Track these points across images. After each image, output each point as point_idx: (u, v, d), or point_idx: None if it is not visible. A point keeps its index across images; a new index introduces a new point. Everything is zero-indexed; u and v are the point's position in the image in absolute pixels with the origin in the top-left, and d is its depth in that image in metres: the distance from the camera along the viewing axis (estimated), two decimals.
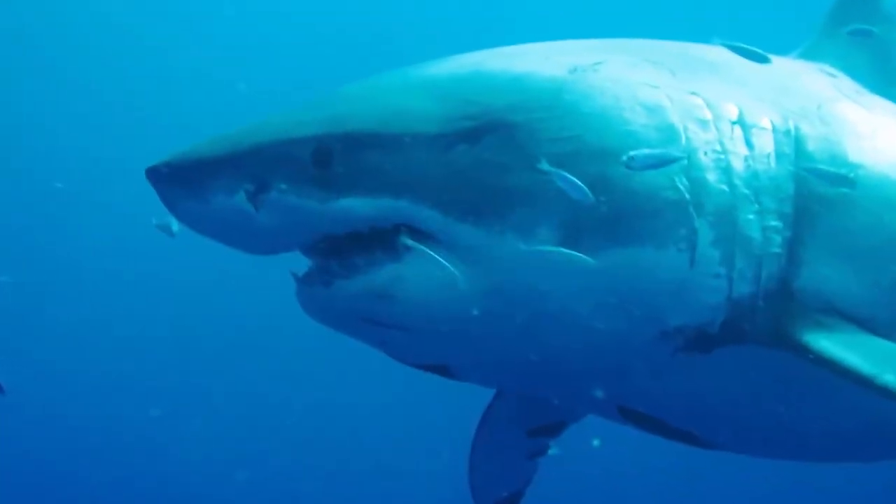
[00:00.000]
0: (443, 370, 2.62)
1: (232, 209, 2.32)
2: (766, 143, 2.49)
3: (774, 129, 2.53)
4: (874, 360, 2.36)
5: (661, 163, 2.31)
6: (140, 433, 12.85)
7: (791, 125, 2.57)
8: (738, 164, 2.43)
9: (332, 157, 2.30)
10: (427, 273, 2.29)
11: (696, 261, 2.35)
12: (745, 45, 2.79)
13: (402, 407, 12.96)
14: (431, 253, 2.27)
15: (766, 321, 2.44)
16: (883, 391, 2.31)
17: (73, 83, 17.19)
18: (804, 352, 2.41)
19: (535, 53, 2.64)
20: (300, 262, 2.51)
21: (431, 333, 2.40)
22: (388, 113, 2.37)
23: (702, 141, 2.41)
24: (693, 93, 2.49)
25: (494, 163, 2.30)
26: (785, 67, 2.99)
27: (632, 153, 2.28)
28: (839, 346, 2.39)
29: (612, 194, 2.29)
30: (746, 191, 2.41)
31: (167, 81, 17.21)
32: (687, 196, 2.34)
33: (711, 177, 2.39)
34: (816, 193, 2.49)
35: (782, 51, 3.23)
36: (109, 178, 15.04)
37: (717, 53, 2.81)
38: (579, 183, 2.23)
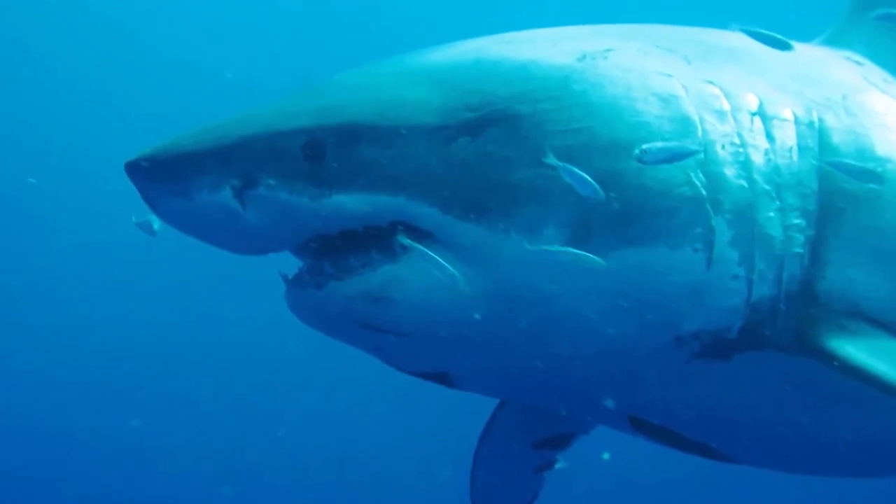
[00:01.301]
0: (442, 378, 2.62)
1: (217, 206, 2.32)
2: (787, 136, 2.49)
3: (797, 121, 2.53)
4: None
5: (676, 157, 2.31)
6: (120, 444, 12.86)
7: (815, 116, 2.57)
8: (757, 159, 2.43)
9: (325, 151, 2.30)
10: (425, 274, 2.29)
11: (713, 261, 2.35)
12: (765, 31, 2.79)
13: (399, 417, 12.96)
14: (430, 253, 2.27)
15: (787, 326, 2.44)
16: None
17: (48, 71, 17.20)
18: (828, 358, 2.41)
19: (541, 40, 2.64)
20: (290, 263, 2.52)
21: (430, 339, 2.40)
22: (385, 103, 2.37)
23: (719, 133, 2.41)
24: (710, 82, 2.49)
25: (498, 157, 2.30)
26: (808, 55, 2.99)
27: (644, 146, 2.28)
28: (865, 352, 2.39)
29: (623, 190, 2.29)
30: (767, 187, 2.41)
31: (149, 69, 17.21)
32: (703, 192, 2.34)
33: (729, 172, 2.39)
34: (842, 189, 2.48)
35: (805, 37, 3.23)
36: (87, 174, 15.05)
37: (736, 40, 2.81)
38: (588, 178, 2.23)
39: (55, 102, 16.66)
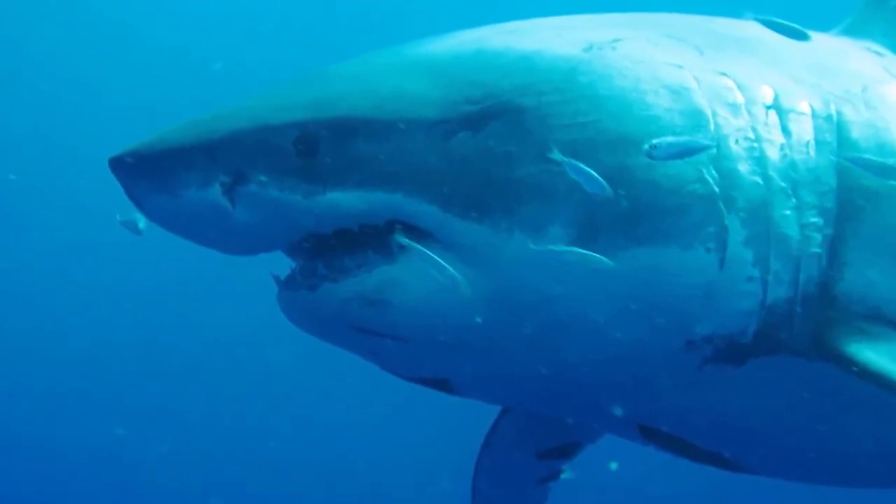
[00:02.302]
0: (442, 384, 2.62)
1: (205, 204, 2.32)
2: (804, 130, 2.50)
3: (814, 115, 2.53)
4: None
5: (688, 152, 2.31)
6: (103, 454, 12.86)
7: (833, 110, 2.57)
8: (773, 154, 2.43)
9: (319, 146, 2.30)
10: (424, 276, 2.29)
11: (726, 262, 2.35)
12: (781, 20, 2.80)
13: (397, 426, 12.96)
14: (429, 253, 2.27)
15: (804, 329, 2.44)
16: None
17: (28, 61, 17.18)
18: (847, 363, 2.41)
19: (546, 29, 2.64)
20: (282, 264, 2.52)
21: (429, 343, 2.40)
22: (381, 96, 2.38)
23: (733, 127, 2.41)
24: (723, 73, 2.50)
25: (500, 152, 2.30)
26: (825, 45, 2.99)
27: (654, 141, 2.28)
28: (886, 356, 2.40)
29: (632, 187, 2.29)
30: (783, 183, 2.42)
31: (134, 60, 17.20)
32: (716, 189, 2.34)
33: (743, 168, 2.39)
34: (861, 186, 2.49)
35: (822, 27, 3.23)
36: (69, 169, 15.05)
37: (750, 29, 2.81)
38: (595, 174, 2.24)
39: (35, 94, 16.64)
